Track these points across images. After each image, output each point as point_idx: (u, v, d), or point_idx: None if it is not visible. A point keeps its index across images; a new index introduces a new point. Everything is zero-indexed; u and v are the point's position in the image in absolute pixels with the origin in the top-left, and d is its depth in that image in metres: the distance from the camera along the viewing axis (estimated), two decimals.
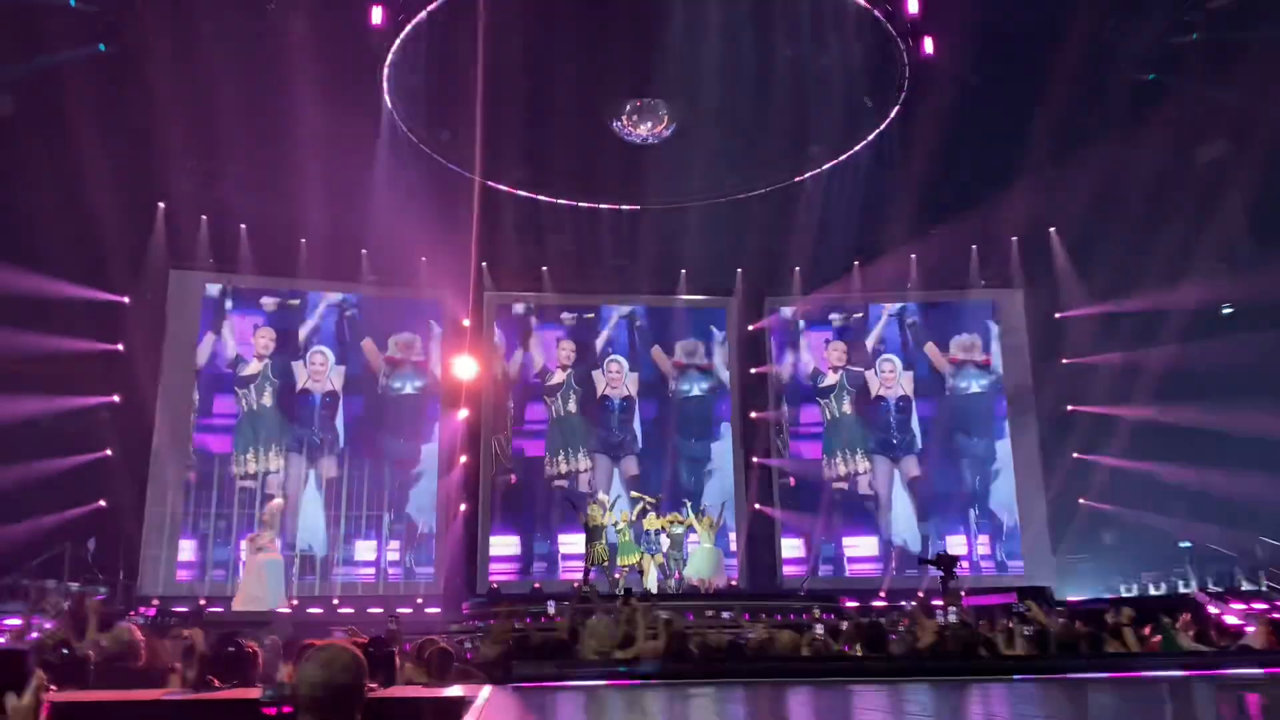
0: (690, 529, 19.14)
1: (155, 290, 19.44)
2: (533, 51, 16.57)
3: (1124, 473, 19.21)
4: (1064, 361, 21.01)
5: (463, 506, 20.83)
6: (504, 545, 21.34)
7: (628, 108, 18.94)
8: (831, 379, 22.59)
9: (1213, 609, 14.09)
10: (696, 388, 22.71)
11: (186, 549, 19.29)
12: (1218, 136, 17.54)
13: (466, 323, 21.44)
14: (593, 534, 18.05)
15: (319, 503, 20.36)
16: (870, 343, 22.68)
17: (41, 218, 15.70)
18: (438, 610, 18.93)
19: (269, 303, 20.83)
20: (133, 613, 13.60)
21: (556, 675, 6.89)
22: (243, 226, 19.88)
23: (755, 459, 22.12)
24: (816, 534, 21.55)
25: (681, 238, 21.03)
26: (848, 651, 9.49)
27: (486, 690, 4.84)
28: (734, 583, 20.32)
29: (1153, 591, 17.79)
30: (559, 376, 22.22)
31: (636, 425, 22.27)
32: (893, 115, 18.13)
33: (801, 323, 22.94)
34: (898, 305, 22.77)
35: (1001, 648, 9.60)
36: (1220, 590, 16.54)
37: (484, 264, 21.48)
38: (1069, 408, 20.71)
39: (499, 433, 21.77)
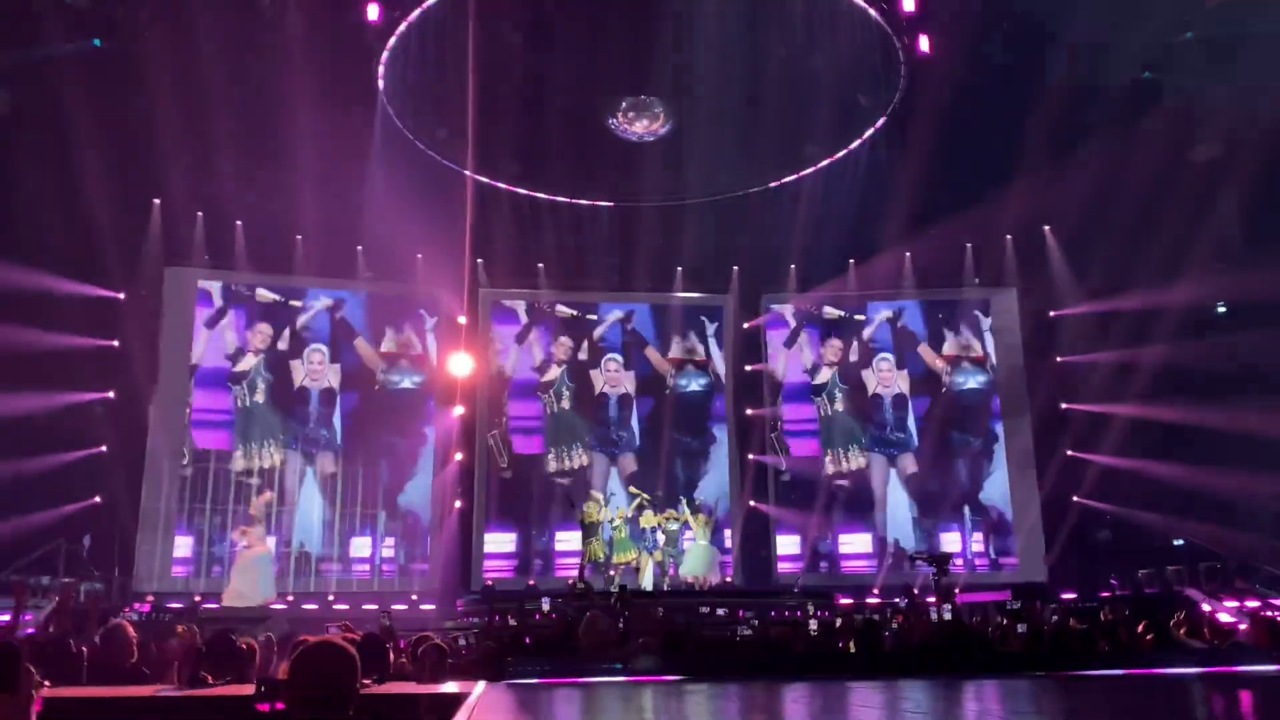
0: (686, 525, 19.17)
1: (151, 286, 19.39)
2: (528, 48, 16.56)
3: (1117, 471, 19.25)
4: (1058, 360, 21.04)
5: (458, 503, 20.82)
6: (500, 542, 21.33)
7: (624, 105, 18.94)
8: (825, 376, 22.60)
9: (1206, 607, 14.14)
10: (694, 384, 22.74)
11: (182, 545, 19.26)
12: (1212, 136, 17.56)
13: (462, 319, 21.42)
14: (588, 531, 18.06)
15: (315, 499, 20.35)
16: (865, 336, 22.68)
17: (37, 213, 15.68)
18: (432, 607, 18.93)
19: (264, 299, 20.80)
20: (127, 609, 13.59)
21: (550, 672, 6.90)
22: (238, 223, 19.85)
23: (750, 456, 22.14)
24: (811, 531, 21.58)
25: (678, 235, 21.03)
26: (842, 648, 9.51)
27: (480, 686, 4.85)
28: (729, 579, 20.34)
29: (1146, 590, 17.82)
30: (554, 373, 22.22)
31: (634, 423, 22.29)
32: (888, 114, 18.14)
33: (794, 321, 22.94)
34: (890, 307, 22.78)
35: (996, 645, 9.63)
36: (1213, 588, 16.59)
37: (479, 260, 21.47)
38: (1063, 406, 20.74)
39: (495, 428, 21.77)
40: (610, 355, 22.51)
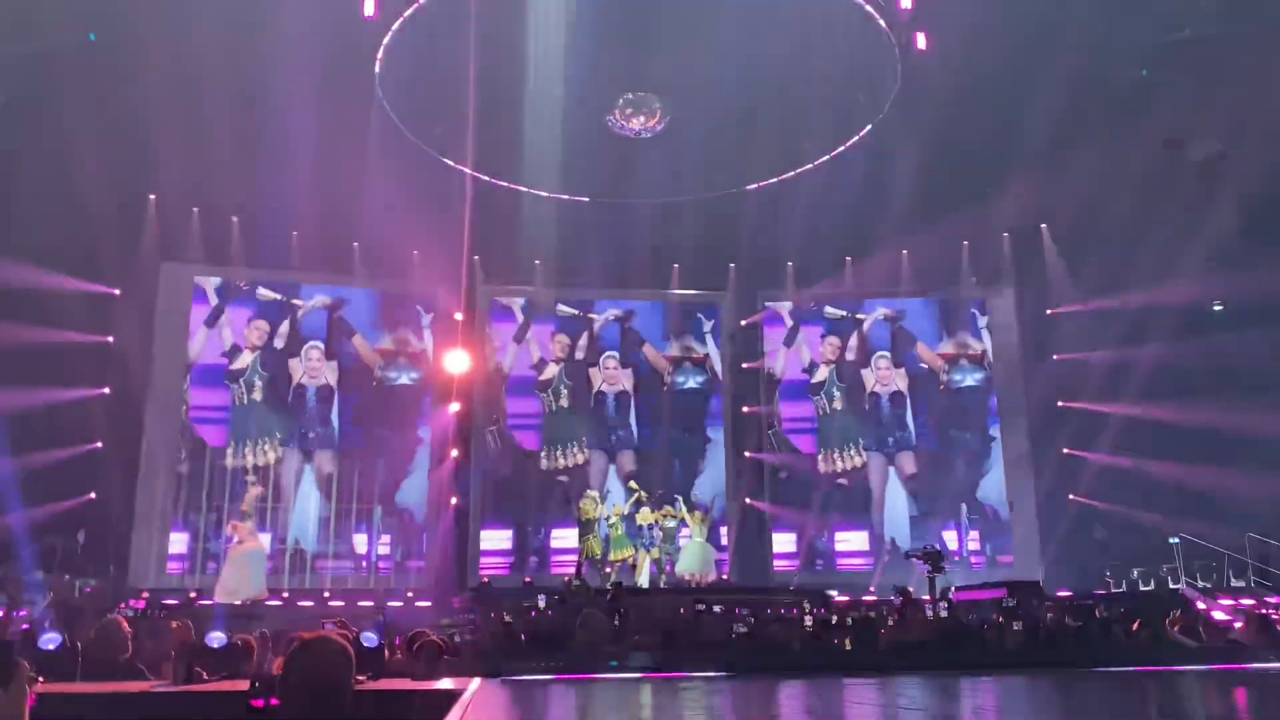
0: (682, 523, 19.18)
1: (146, 282, 19.35)
2: (526, 43, 16.53)
3: (1113, 469, 19.28)
4: (1054, 358, 21.05)
5: (454, 500, 20.81)
6: (496, 539, 21.34)
7: (621, 102, 18.91)
8: (823, 374, 22.62)
9: (1201, 605, 14.17)
10: (691, 381, 22.75)
11: (178, 541, 19.25)
12: (1209, 134, 17.57)
13: (459, 316, 21.40)
14: (585, 528, 18.07)
15: (312, 496, 20.33)
16: (862, 335, 22.70)
17: (32, 209, 15.62)
18: (428, 604, 18.91)
19: (261, 296, 20.77)
20: (122, 605, 13.55)
21: (546, 668, 6.91)
22: (234, 219, 19.81)
23: (747, 453, 22.16)
24: (807, 528, 21.60)
25: (674, 233, 21.01)
26: (838, 645, 9.53)
27: (476, 683, 4.84)
28: (725, 577, 20.36)
29: (1141, 588, 17.84)
30: (551, 371, 22.22)
31: (632, 420, 22.30)
32: (885, 111, 18.12)
33: (790, 320, 22.94)
34: (887, 305, 22.80)
35: (992, 642, 9.65)
36: (1208, 586, 16.62)
37: (476, 258, 21.44)
38: (1059, 404, 20.76)
39: (494, 425, 21.76)
40: (609, 353, 22.53)
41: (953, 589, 15.16)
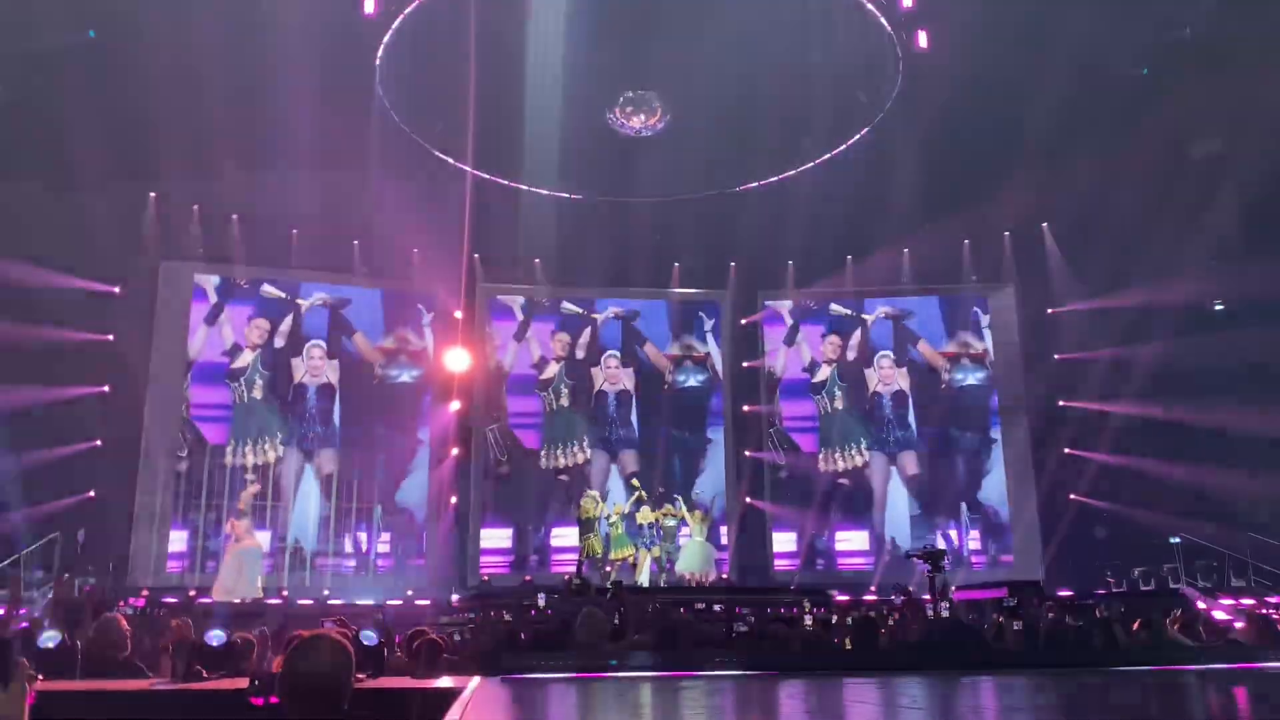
0: (683, 522, 19.18)
1: (146, 280, 19.33)
2: (526, 41, 16.52)
3: (1114, 468, 19.27)
4: (1055, 357, 21.04)
5: (453, 499, 20.81)
6: (496, 538, 21.33)
7: (621, 100, 18.89)
8: (825, 373, 22.61)
9: (1202, 605, 14.15)
10: (692, 380, 22.74)
11: (177, 540, 19.24)
12: (1211, 133, 17.56)
13: (459, 315, 21.39)
14: (585, 527, 18.06)
15: (312, 495, 20.33)
16: (863, 333, 22.69)
17: (32, 207, 15.60)
18: (428, 602, 18.89)
19: (266, 293, 20.77)
20: (122, 603, 13.55)
21: (545, 667, 6.88)
22: (234, 217, 19.80)
23: (747, 452, 22.14)
24: (808, 528, 21.59)
25: (675, 231, 21.01)
26: (838, 644, 9.51)
27: (475, 681, 4.83)
28: (725, 576, 20.36)
29: (1142, 588, 17.83)
30: (552, 370, 22.21)
31: (634, 419, 22.29)
32: (886, 109, 18.11)
33: (790, 319, 22.94)
34: (888, 304, 22.79)
35: (992, 642, 9.62)
36: (1209, 586, 16.60)
37: (476, 256, 21.44)
38: (1060, 403, 20.75)
39: (496, 424, 21.75)
40: (610, 352, 22.51)
41: (953, 588, 15.16)
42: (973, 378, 22.58)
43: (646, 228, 20.85)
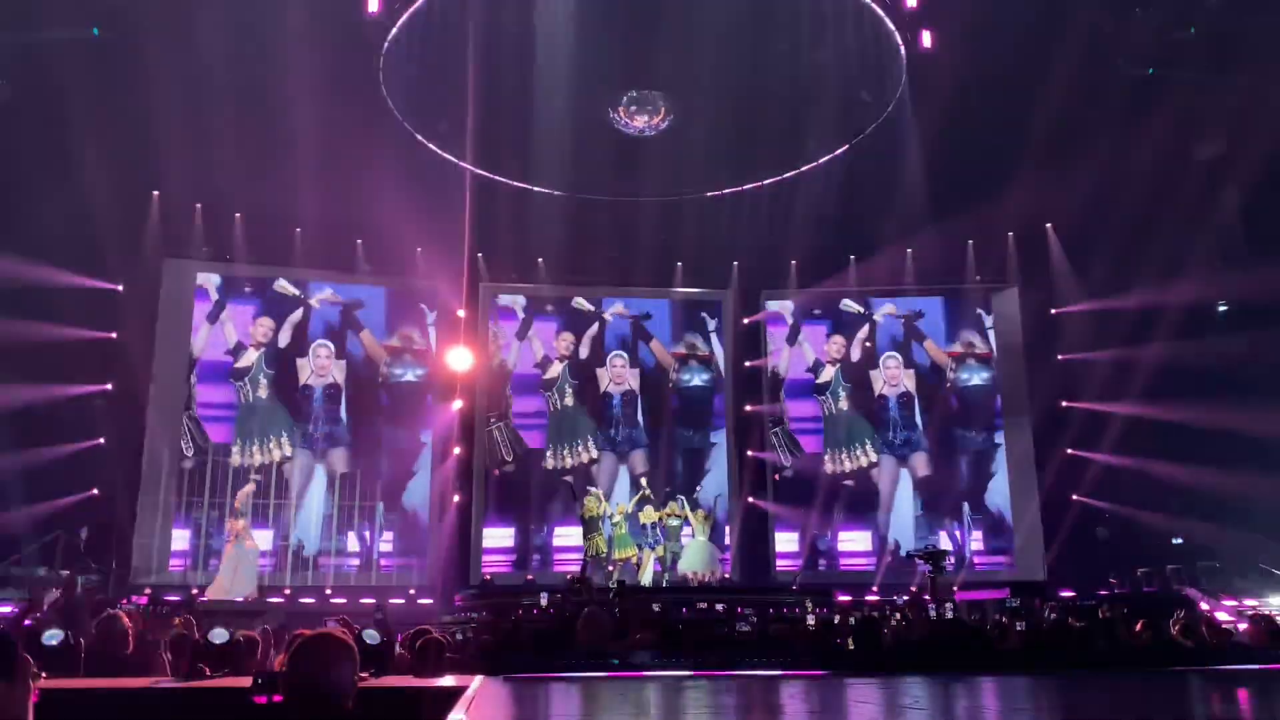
0: (685, 522, 19.19)
1: (149, 278, 19.35)
2: (529, 40, 16.51)
3: (1117, 469, 19.24)
4: (1059, 358, 21.02)
5: (456, 498, 20.81)
6: (498, 537, 21.32)
7: (624, 99, 18.89)
8: (829, 374, 22.58)
9: (1204, 606, 14.14)
10: (696, 379, 22.73)
11: (180, 538, 19.25)
12: (1216, 134, 17.53)
13: (462, 314, 21.39)
14: (589, 526, 18.06)
15: (316, 494, 20.34)
16: (867, 333, 22.67)
17: (36, 204, 15.62)
18: (430, 601, 18.92)
19: (275, 289, 20.77)
20: (124, 601, 13.57)
21: (548, 666, 6.89)
22: (237, 215, 19.81)
23: (749, 452, 22.13)
24: (810, 528, 21.58)
25: (677, 230, 21.00)
26: (841, 645, 9.50)
27: (478, 680, 4.83)
28: (727, 576, 20.35)
29: (1145, 589, 17.81)
30: (556, 370, 22.19)
31: (639, 419, 22.27)
32: (889, 110, 18.09)
33: (792, 319, 22.92)
34: (892, 304, 22.76)
35: (994, 642, 9.61)
36: (1212, 587, 16.58)
37: (479, 255, 21.43)
38: (1063, 404, 20.73)
39: (500, 422, 21.75)
40: (616, 352, 22.49)
41: (956, 589, 15.16)
42: (978, 378, 22.56)
43: (649, 227, 20.84)
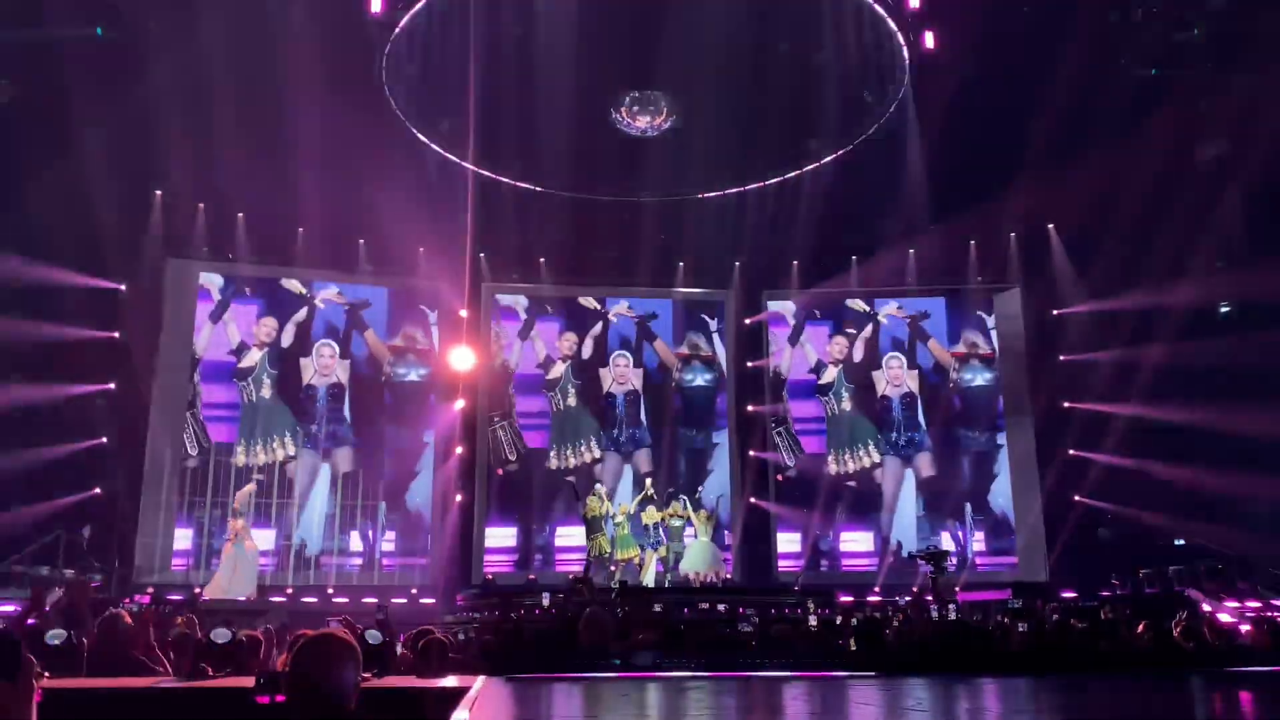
0: (688, 522, 19.17)
1: (152, 278, 19.37)
2: (531, 41, 16.52)
3: (1119, 470, 19.22)
4: (1061, 359, 21.00)
5: (458, 497, 20.81)
6: (500, 537, 21.33)
7: (627, 100, 18.88)
8: (832, 374, 22.56)
9: (1207, 608, 14.12)
10: (699, 379, 22.73)
11: (182, 537, 19.27)
12: (1218, 135, 17.51)
13: (464, 314, 21.39)
14: (592, 526, 18.05)
15: (319, 493, 20.35)
16: (870, 333, 22.65)
17: (39, 204, 15.64)
18: (432, 600, 18.92)
19: (268, 292, 20.78)
20: (126, 600, 13.57)
21: (550, 667, 6.89)
22: (240, 215, 19.82)
23: (751, 453, 22.12)
24: (812, 529, 21.57)
25: (679, 230, 21.01)
26: (843, 645, 9.50)
27: (480, 681, 4.83)
28: (729, 576, 20.34)
29: (1147, 590, 17.79)
30: (558, 370, 22.19)
31: (643, 419, 22.26)
32: (892, 110, 18.09)
33: (794, 320, 22.91)
34: (894, 304, 22.75)
35: (997, 643, 9.61)
36: (1214, 589, 16.55)
37: (481, 255, 21.44)
38: (1065, 404, 20.71)
39: (504, 421, 21.75)
40: (620, 352, 22.48)
41: (958, 590, 15.14)
42: (981, 378, 22.55)
43: (650, 227, 20.85)
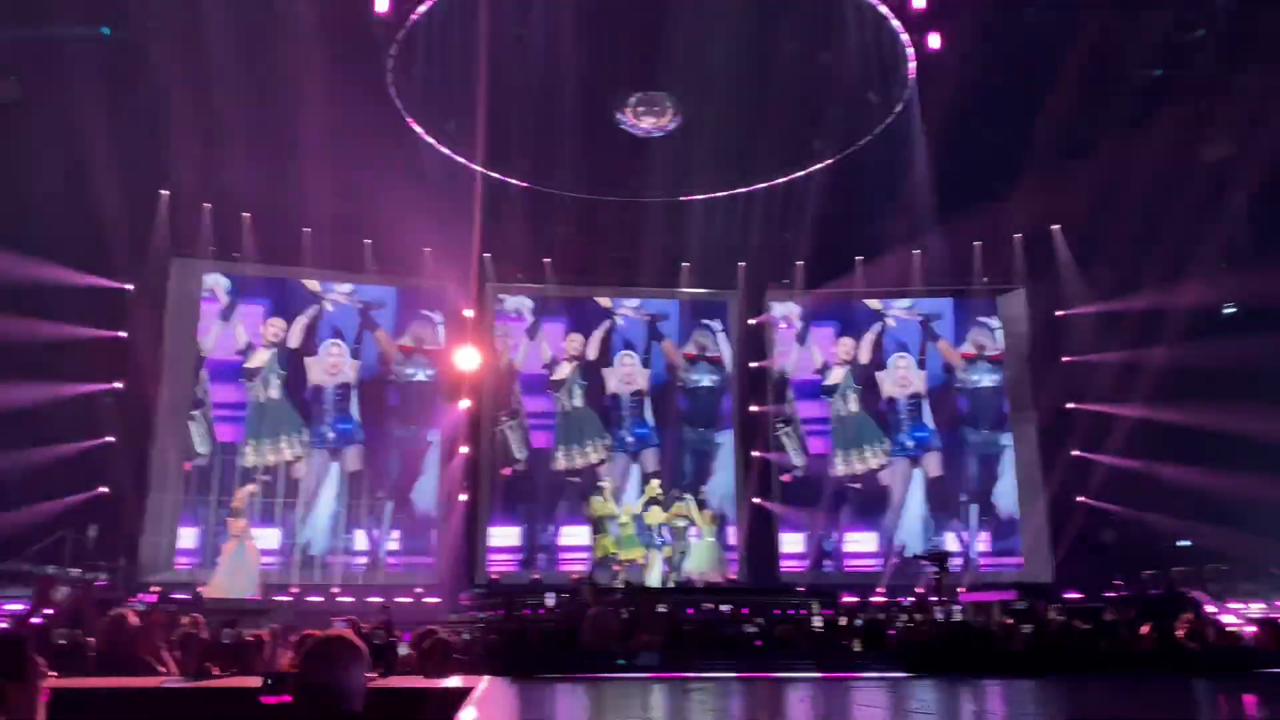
0: (692, 522, 19.19)
1: (158, 278, 19.42)
2: (538, 41, 16.53)
3: (1124, 471, 19.20)
4: (1065, 360, 20.98)
5: (463, 497, 20.84)
6: (505, 536, 21.35)
7: (631, 100, 18.89)
8: (839, 375, 22.55)
9: (1211, 609, 14.11)
10: (705, 379, 22.73)
11: (188, 536, 19.32)
12: (1223, 135, 17.48)
13: (469, 313, 21.42)
14: (597, 525, 18.08)
15: (325, 493, 20.38)
16: (876, 335, 22.63)
17: (45, 204, 15.69)
18: (437, 600, 18.95)
19: (275, 292, 20.82)
20: (132, 599, 13.62)
21: (554, 667, 6.91)
22: (246, 215, 19.86)
23: (755, 453, 22.11)
24: (816, 529, 21.56)
25: (684, 230, 21.01)
26: (847, 646, 9.51)
27: (485, 681, 4.85)
28: (733, 577, 20.35)
29: (1151, 591, 17.77)
30: (564, 370, 22.21)
31: (648, 419, 22.27)
32: (897, 111, 18.07)
33: (800, 321, 22.90)
34: (899, 305, 22.74)
35: (1000, 644, 9.62)
36: (1219, 590, 16.54)
37: (487, 255, 21.46)
38: (1069, 405, 20.69)
39: (512, 419, 21.77)
40: (625, 352, 22.50)
41: (962, 591, 15.15)
42: (987, 379, 22.53)
43: (655, 228, 20.85)
